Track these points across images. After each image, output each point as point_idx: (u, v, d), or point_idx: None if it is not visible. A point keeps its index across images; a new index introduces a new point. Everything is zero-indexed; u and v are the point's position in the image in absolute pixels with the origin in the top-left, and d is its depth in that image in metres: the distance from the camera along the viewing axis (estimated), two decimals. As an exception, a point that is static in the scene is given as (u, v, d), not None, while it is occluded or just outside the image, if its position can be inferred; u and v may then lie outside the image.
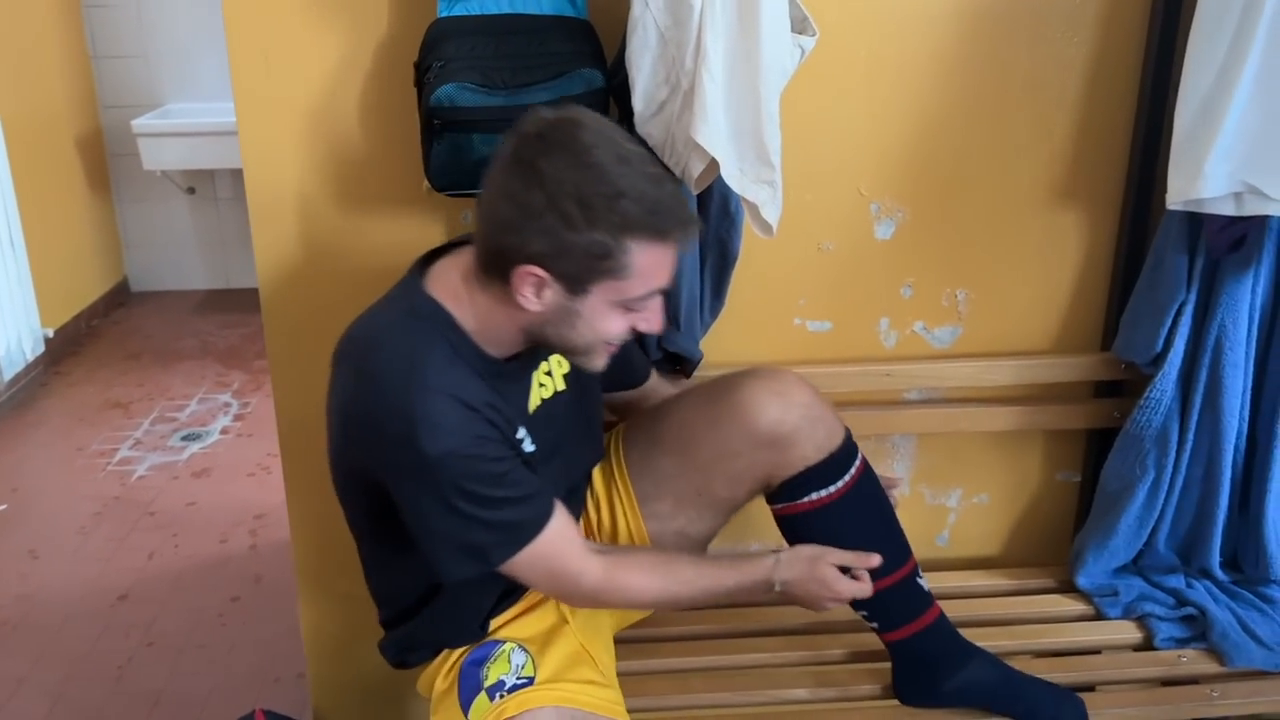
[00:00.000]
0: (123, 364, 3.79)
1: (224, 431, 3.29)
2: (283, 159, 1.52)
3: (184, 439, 3.24)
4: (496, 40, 1.37)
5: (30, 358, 3.57)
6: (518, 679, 1.28)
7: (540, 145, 1.11)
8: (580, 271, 1.13)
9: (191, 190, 4.28)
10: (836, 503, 1.37)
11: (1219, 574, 1.67)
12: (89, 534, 2.74)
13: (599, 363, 1.24)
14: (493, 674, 1.29)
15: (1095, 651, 1.59)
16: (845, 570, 1.35)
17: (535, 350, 1.27)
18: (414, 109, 1.41)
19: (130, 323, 4.19)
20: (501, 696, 1.26)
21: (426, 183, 1.44)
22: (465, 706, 1.27)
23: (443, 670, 1.34)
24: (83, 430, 3.31)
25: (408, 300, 1.22)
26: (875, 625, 1.43)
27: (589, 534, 1.46)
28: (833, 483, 1.37)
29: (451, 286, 1.21)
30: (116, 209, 4.30)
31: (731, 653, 1.56)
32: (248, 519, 2.78)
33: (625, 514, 1.44)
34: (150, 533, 2.74)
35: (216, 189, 4.29)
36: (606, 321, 1.18)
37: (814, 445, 1.34)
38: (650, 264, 1.14)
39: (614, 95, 1.42)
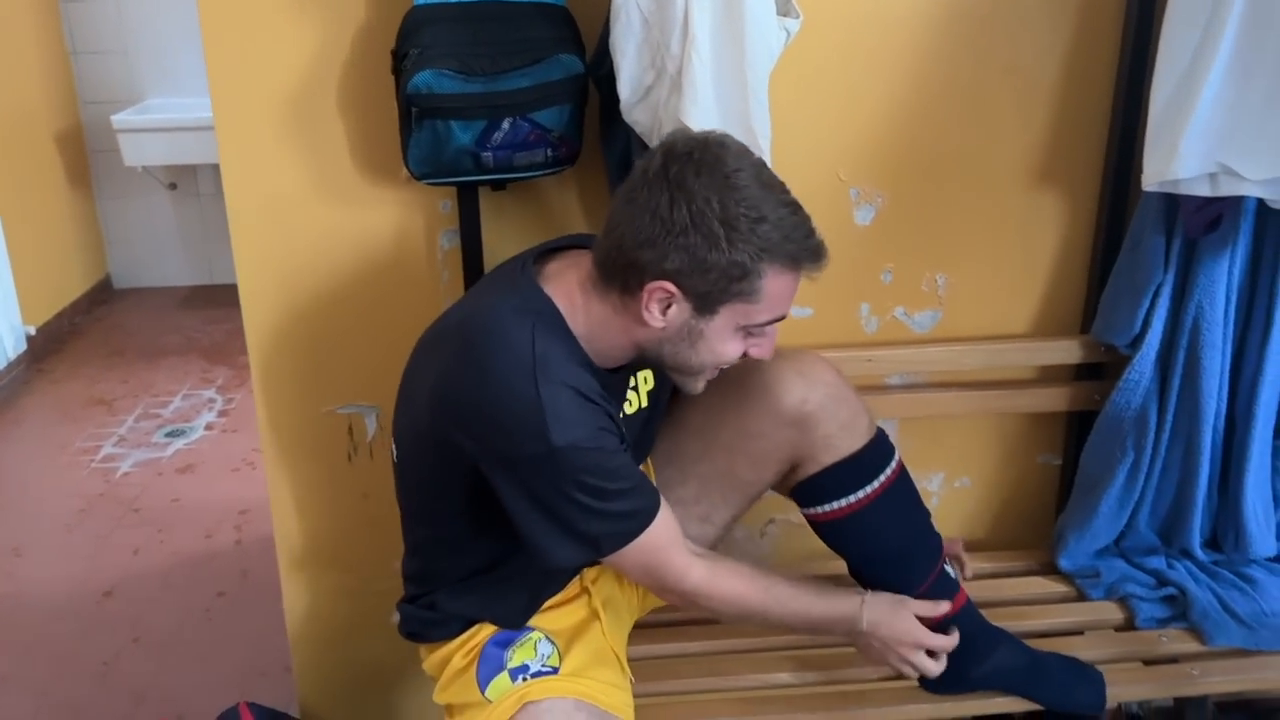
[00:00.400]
0: (106, 361, 3.78)
1: (208, 427, 3.28)
2: (261, 152, 1.51)
3: (168, 435, 3.23)
4: (474, 27, 1.36)
5: (12, 355, 3.56)
6: (543, 666, 1.29)
7: (689, 161, 1.12)
8: (713, 291, 1.14)
9: (173, 186, 4.26)
10: (872, 506, 1.37)
11: (1199, 554, 1.68)
12: (73, 531, 2.74)
13: (701, 385, 1.26)
14: (517, 657, 1.29)
15: (1078, 632, 1.60)
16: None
17: (634, 365, 1.28)
18: (393, 98, 1.41)
19: (113, 319, 4.17)
20: (524, 680, 1.27)
21: (406, 171, 1.44)
22: (483, 684, 1.27)
23: (461, 649, 1.33)
24: (66, 427, 3.30)
25: (521, 294, 1.20)
26: None
27: None
28: (868, 484, 1.37)
29: (567, 289, 1.21)
30: (98, 205, 4.28)
31: (721, 638, 1.56)
32: (233, 514, 2.78)
33: None
34: (135, 529, 2.73)
35: (199, 184, 4.27)
36: (726, 344, 1.20)
37: (838, 424, 1.35)
38: (780, 291, 1.16)
39: (596, 83, 1.42)
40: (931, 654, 1.37)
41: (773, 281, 1.14)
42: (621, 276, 1.16)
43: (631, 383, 1.34)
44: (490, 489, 1.19)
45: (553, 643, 1.33)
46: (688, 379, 1.25)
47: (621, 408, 1.32)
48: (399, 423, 1.31)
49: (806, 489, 1.39)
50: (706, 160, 1.12)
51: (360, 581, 1.73)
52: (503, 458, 1.15)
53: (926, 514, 1.45)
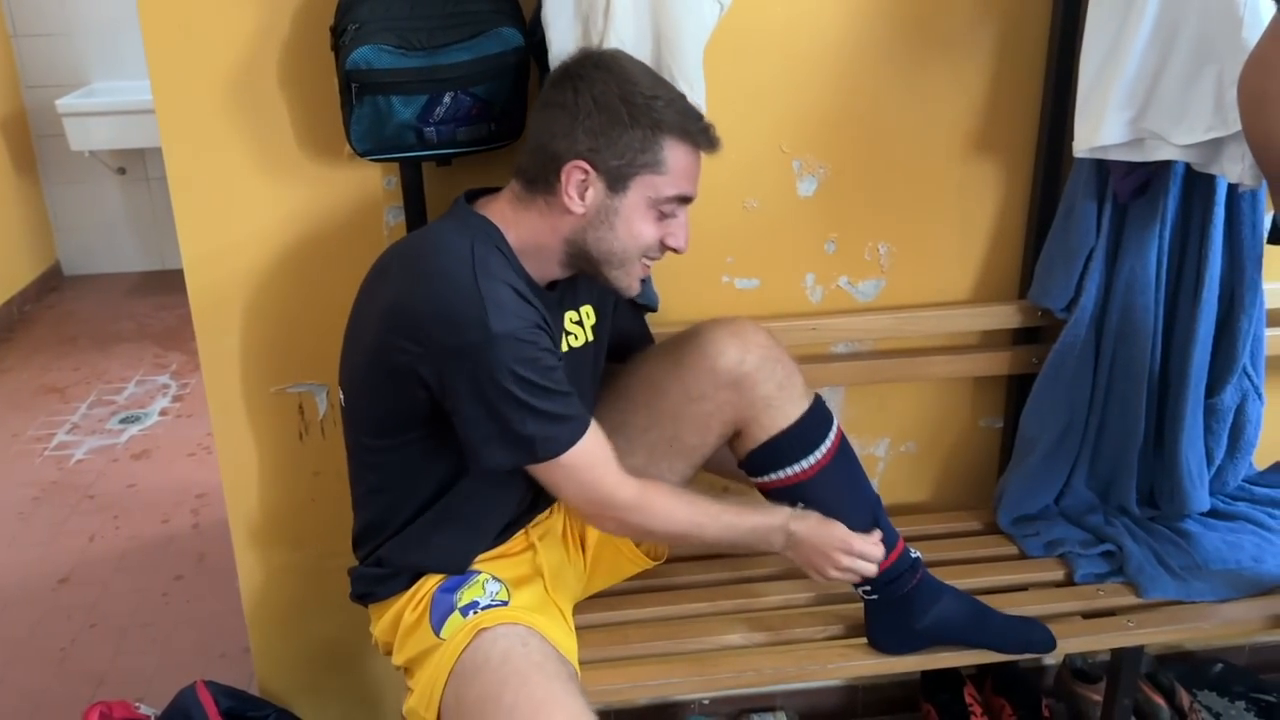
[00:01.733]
0: (58, 348, 3.73)
1: (163, 413, 3.26)
2: (202, 132, 1.51)
3: (123, 421, 3.21)
4: (412, 1, 1.36)
5: (-40, 345, 3.51)
6: (492, 600, 1.34)
7: (584, 63, 1.26)
8: (622, 165, 1.24)
9: (122, 170, 4.20)
10: (818, 476, 1.42)
11: (1136, 511, 1.73)
12: (28, 519, 2.72)
13: (633, 281, 1.32)
14: (467, 596, 1.34)
15: (1022, 589, 1.64)
16: None
17: (574, 284, 1.36)
18: (334, 73, 1.40)
19: (64, 307, 4.12)
20: (475, 613, 1.31)
21: (349, 148, 1.44)
22: (437, 627, 1.31)
23: (411, 604, 1.35)
24: (18, 416, 3.26)
25: (458, 217, 1.30)
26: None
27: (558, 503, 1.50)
28: (813, 451, 1.41)
29: (499, 209, 1.30)
30: (45, 191, 4.22)
31: (670, 604, 1.58)
32: (189, 498, 2.77)
33: None
34: (90, 515, 2.72)
35: (148, 168, 4.22)
36: (641, 224, 1.27)
37: (775, 383, 1.39)
38: (682, 164, 1.26)
39: (533, 54, 1.43)
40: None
41: (674, 153, 1.25)
42: (543, 174, 1.26)
43: (575, 317, 1.39)
44: (439, 408, 1.24)
45: (500, 582, 1.37)
46: (618, 273, 1.30)
47: (560, 341, 1.35)
48: (345, 364, 1.36)
49: (756, 459, 1.43)
50: (603, 60, 1.26)
51: (314, 559, 1.74)
52: (445, 350, 1.20)
53: (864, 475, 1.50)
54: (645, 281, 1.53)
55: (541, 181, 1.26)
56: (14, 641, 2.26)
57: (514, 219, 1.29)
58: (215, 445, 1.70)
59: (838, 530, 1.40)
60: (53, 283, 4.26)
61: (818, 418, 1.43)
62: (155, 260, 4.36)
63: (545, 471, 1.27)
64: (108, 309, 4.08)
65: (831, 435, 1.43)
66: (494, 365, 1.19)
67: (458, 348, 1.19)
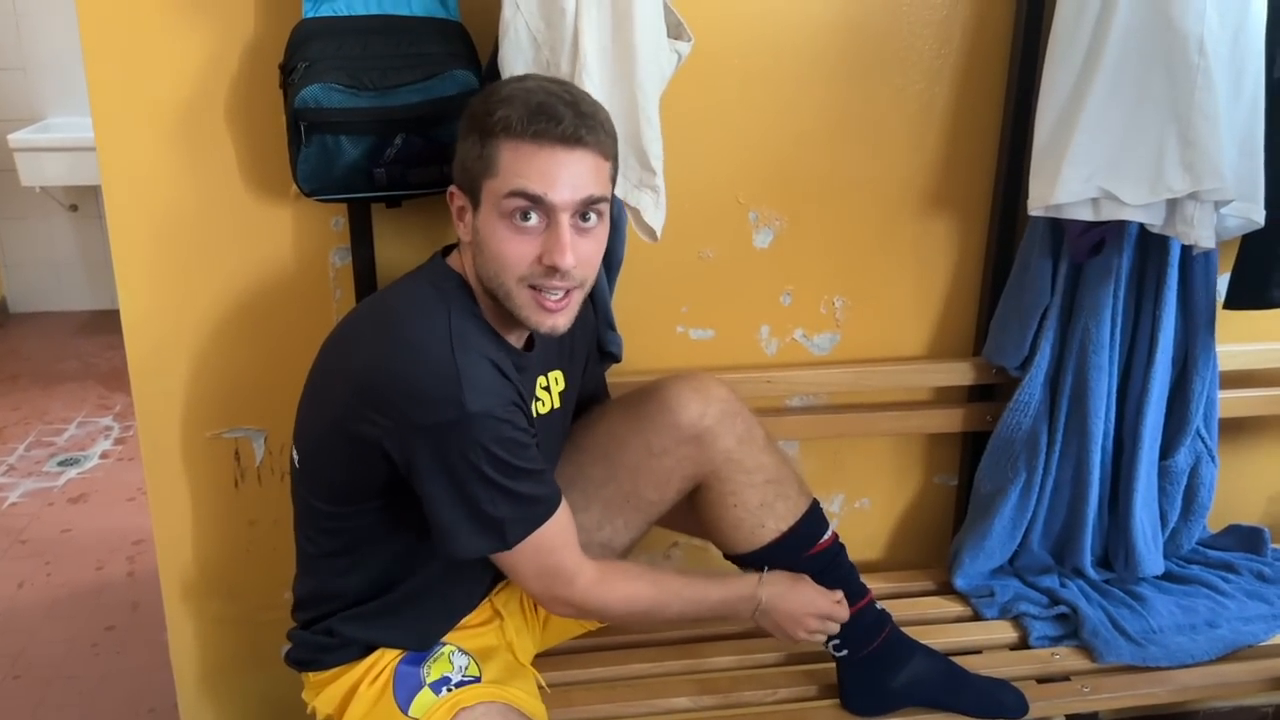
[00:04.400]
0: (-2, 387, 3.63)
1: (104, 455, 3.17)
2: (145, 168, 1.46)
3: (61, 464, 3.11)
4: (364, 40, 1.34)
5: (-105, 382, 3.40)
6: (464, 676, 1.29)
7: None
8: (471, 180, 1.17)
9: (74, 207, 4.13)
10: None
11: (1091, 573, 1.71)
12: (-47, 565, 2.61)
13: (540, 316, 1.18)
14: (435, 671, 1.29)
15: (976, 651, 1.61)
16: None
17: (548, 346, 1.32)
18: (282, 113, 1.37)
19: (8, 345, 4.01)
20: (449, 690, 1.26)
21: (295, 188, 1.40)
22: (404, 704, 1.25)
23: (368, 676, 1.29)
24: (-49, 457, 3.15)
25: (433, 275, 1.24)
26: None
27: None
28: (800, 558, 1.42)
29: (461, 260, 1.25)
30: (-7, 227, 4.13)
31: (618, 664, 1.54)
32: (125, 545, 2.67)
33: None
34: (21, 561, 2.61)
35: (100, 206, 4.14)
36: (499, 238, 1.16)
37: (735, 437, 1.37)
38: (514, 160, 1.14)
39: (488, 100, 1.41)
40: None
41: (507, 151, 1.14)
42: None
43: (544, 383, 1.35)
44: (402, 481, 1.18)
45: (468, 654, 1.33)
46: (516, 306, 1.19)
47: (532, 404, 1.30)
48: (304, 423, 1.28)
49: (745, 562, 1.42)
50: (494, 83, 1.21)
51: (247, 611, 1.67)
52: (417, 429, 1.14)
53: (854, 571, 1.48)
54: (611, 329, 1.52)
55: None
56: (-69, 693, 2.15)
57: (469, 268, 1.23)
58: (147, 494, 1.63)
59: (805, 592, 1.38)
60: (-2, 320, 4.16)
61: (811, 525, 1.42)
62: (106, 299, 4.27)
63: (508, 557, 1.21)
64: (53, 348, 3.98)
65: (824, 539, 1.43)
66: (467, 444, 1.13)
67: (430, 425, 1.13)
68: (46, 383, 3.66)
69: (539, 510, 1.20)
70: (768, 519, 1.40)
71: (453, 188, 1.21)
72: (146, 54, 1.42)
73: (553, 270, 1.16)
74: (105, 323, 4.18)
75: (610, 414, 1.45)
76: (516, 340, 1.26)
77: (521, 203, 1.14)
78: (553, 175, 1.14)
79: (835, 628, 1.41)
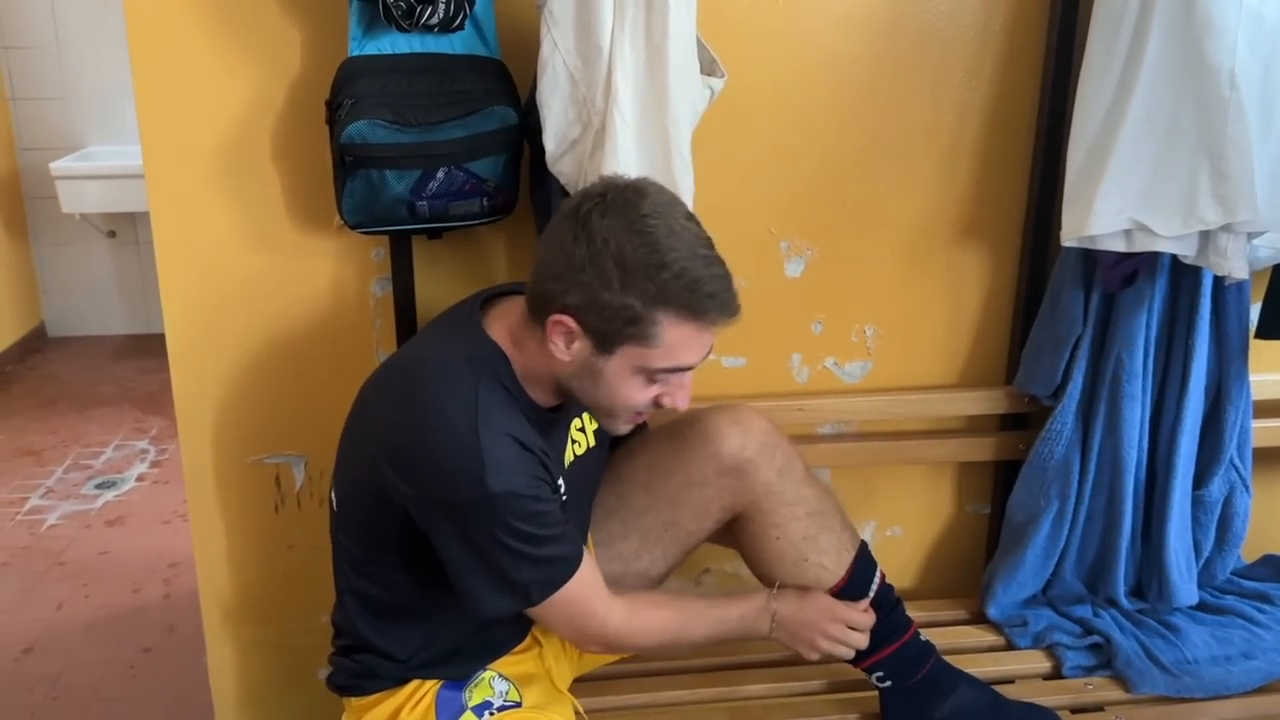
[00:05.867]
0: (37, 411, 3.69)
1: (140, 479, 3.21)
2: (192, 200, 1.50)
3: (98, 487, 3.15)
4: (408, 78, 1.38)
5: (-62, 405, 3.46)
6: (505, 702, 1.31)
7: (599, 203, 1.13)
8: (608, 331, 1.14)
9: (112, 234, 4.20)
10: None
11: (1125, 603, 1.71)
12: (-6, 585, 2.65)
13: (620, 426, 1.25)
14: (476, 696, 1.31)
15: (1009, 681, 1.60)
16: None
17: (570, 405, 1.29)
18: (326, 147, 1.41)
19: (47, 368, 4.08)
20: (491, 715, 1.28)
21: (339, 220, 1.44)
22: None
23: (409, 702, 1.31)
24: (-9, 479, 3.20)
25: (466, 338, 1.23)
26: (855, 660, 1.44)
27: None
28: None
29: (508, 327, 1.23)
30: (34, 252, 4.21)
31: (652, 690, 1.54)
32: (162, 568, 2.70)
33: None
34: (60, 583, 2.65)
35: (138, 232, 4.22)
36: (628, 387, 1.18)
37: (774, 469, 1.37)
38: (679, 340, 1.14)
39: (527, 135, 1.44)
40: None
41: (671, 330, 1.13)
42: (536, 312, 1.18)
43: (578, 424, 1.36)
44: (425, 540, 1.19)
45: (507, 680, 1.34)
46: (605, 419, 1.26)
47: (564, 451, 1.32)
48: (340, 470, 1.30)
49: None
50: (616, 202, 1.14)
51: (285, 635, 1.69)
52: (439, 502, 1.16)
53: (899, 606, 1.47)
54: None
55: (536, 318, 1.18)
56: (-28, 713, 2.19)
57: (520, 340, 1.22)
58: (189, 516, 1.66)
59: (822, 600, 1.38)
60: (36, 344, 4.23)
61: (864, 570, 1.43)
62: (141, 324, 4.34)
63: (536, 610, 1.23)
64: (91, 371, 4.04)
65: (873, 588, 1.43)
66: (489, 521, 1.15)
67: (451, 501, 1.15)
68: (84, 406, 3.72)
69: (562, 569, 1.21)
70: (810, 552, 1.39)
71: (564, 318, 1.14)
72: (196, 89, 1.46)
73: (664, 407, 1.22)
74: (141, 347, 4.24)
75: (651, 444, 1.46)
76: (546, 397, 1.25)
77: (676, 374, 1.18)
78: (704, 346, 1.18)
79: (860, 639, 1.39)
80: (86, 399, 3.78)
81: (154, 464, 3.30)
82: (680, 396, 1.21)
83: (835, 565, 1.41)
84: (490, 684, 1.32)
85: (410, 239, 1.51)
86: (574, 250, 1.12)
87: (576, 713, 1.41)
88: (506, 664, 1.38)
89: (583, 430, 1.37)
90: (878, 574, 1.45)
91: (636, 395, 1.19)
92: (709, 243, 1.17)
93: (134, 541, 2.85)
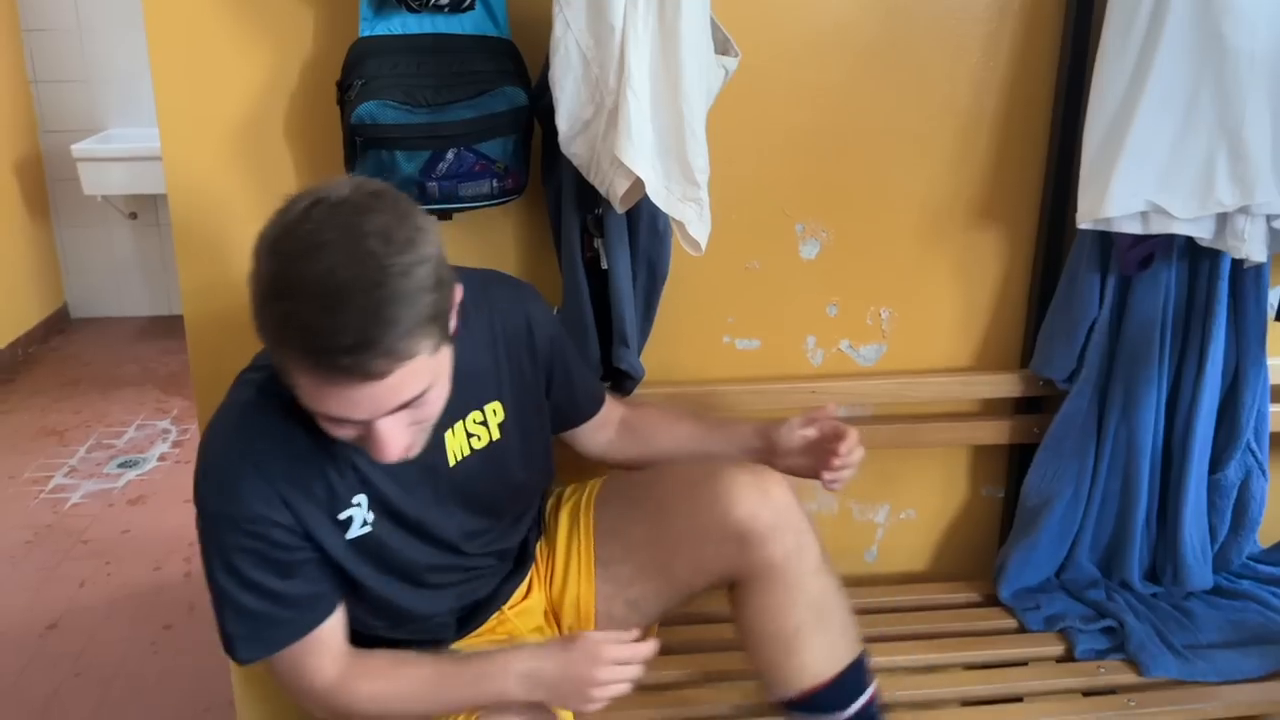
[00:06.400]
0: (60, 391, 3.73)
1: (162, 458, 3.24)
2: (208, 180, 1.51)
3: (121, 466, 3.19)
4: (419, 59, 1.38)
5: (-37, 385, 3.51)
6: None
7: (319, 198, 1.02)
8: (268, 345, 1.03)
9: (133, 215, 4.23)
10: None
11: (1139, 586, 1.70)
12: (18, 563, 2.69)
13: (378, 452, 1.05)
14: None
15: (1022, 663, 1.61)
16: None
17: (482, 379, 1.26)
18: (339, 128, 1.41)
19: (69, 349, 4.12)
20: None
21: (351, 201, 1.44)
22: None
23: None
24: (16, 458, 3.24)
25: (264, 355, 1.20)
26: None
27: (538, 582, 1.44)
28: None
29: None
30: (56, 234, 4.24)
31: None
32: (183, 546, 2.73)
33: (580, 573, 1.42)
34: (82, 561, 2.69)
35: (159, 214, 4.25)
36: (320, 421, 1.05)
37: (783, 551, 1.27)
38: (309, 387, 1.00)
39: (539, 116, 1.44)
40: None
41: (298, 375, 0.99)
42: None
43: (479, 418, 1.27)
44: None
45: None
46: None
47: (438, 453, 1.23)
48: None
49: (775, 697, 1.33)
50: (323, 199, 1.01)
51: (303, 613, 1.71)
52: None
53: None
54: (627, 351, 1.51)
55: None
56: (0, 689, 2.22)
57: None
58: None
59: (579, 644, 1.18)
60: (59, 325, 4.27)
61: (849, 684, 1.31)
62: (163, 305, 4.38)
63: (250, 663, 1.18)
64: (113, 352, 4.08)
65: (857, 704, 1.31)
66: (206, 540, 1.12)
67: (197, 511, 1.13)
68: (106, 387, 3.76)
69: (274, 634, 1.14)
70: (800, 648, 1.28)
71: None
72: (211, 71, 1.46)
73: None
74: (163, 328, 4.28)
75: (667, 479, 1.39)
76: None
77: (327, 421, 1.04)
78: (353, 402, 0.99)
79: (636, 671, 1.19)
80: (109, 380, 3.81)
81: (175, 444, 3.33)
82: (375, 448, 1.04)
83: (822, 668, 1.29)
84: None
85: (423, 221, 1.51)
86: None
87: None
88: (480, 645, 1.35)
89: (484, 424, 1.28)
90: (869, 691, 1.33)
91: (335, 430, 1.05)
92: (373, 281, 0.96)
93: (156, 520, 2.88)
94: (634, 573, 1.39)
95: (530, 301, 1.35)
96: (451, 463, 1.26)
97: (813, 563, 1.30)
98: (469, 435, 1.28)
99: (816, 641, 1.29)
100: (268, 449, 1.12)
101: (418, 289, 0.98)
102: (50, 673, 2.26)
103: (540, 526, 1.47)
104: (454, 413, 1.22)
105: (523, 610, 1.43)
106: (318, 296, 0.95)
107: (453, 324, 1.07)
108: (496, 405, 1.30)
